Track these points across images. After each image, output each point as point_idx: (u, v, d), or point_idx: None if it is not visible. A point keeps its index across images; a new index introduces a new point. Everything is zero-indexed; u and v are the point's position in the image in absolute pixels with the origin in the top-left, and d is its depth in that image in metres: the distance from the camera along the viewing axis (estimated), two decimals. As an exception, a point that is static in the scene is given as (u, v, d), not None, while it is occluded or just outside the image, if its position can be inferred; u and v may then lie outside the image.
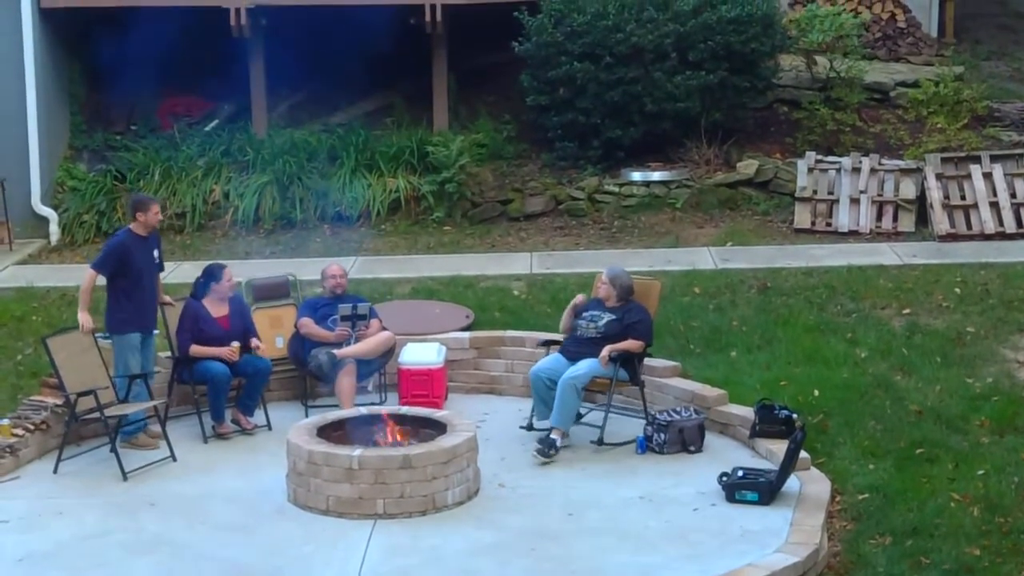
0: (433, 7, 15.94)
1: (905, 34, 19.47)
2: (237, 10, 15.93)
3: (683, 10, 15.71)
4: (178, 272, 14.45)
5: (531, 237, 15.46)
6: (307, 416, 10.99)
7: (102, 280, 10.97)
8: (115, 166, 16.25)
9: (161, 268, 11.27)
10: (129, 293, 10.79)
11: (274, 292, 12.25)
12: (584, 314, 11.04)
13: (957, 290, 13.15)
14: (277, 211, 15.76)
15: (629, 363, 10.75)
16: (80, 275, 14.24)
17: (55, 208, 16.07)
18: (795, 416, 10.44)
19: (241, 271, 14.44)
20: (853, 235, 15.01)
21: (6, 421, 10.67)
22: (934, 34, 20.09)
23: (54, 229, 15.97)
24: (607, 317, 10.91)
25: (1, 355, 12.46)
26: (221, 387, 11.01)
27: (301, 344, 11.63)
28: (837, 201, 15.29)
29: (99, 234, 15.74)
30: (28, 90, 15.94)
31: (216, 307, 11.34)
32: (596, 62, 15.70)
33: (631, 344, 10.76)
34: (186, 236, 15.65)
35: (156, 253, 11.08)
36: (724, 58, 15.81)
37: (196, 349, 11.07)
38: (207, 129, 16.97)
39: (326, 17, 16.35)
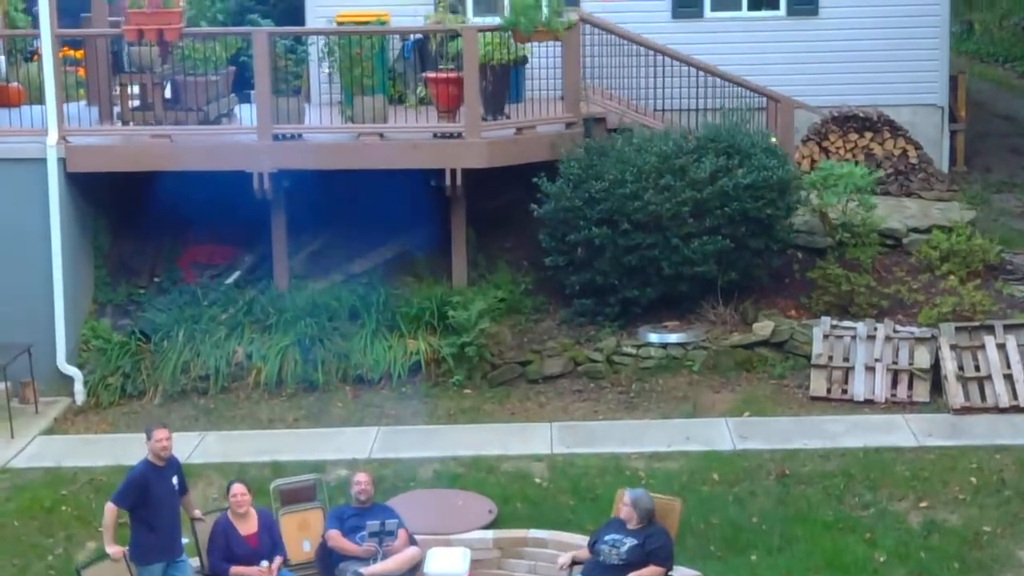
0: (453, 171, 16.17)
1: (917, 170, 19.71)
2: (260, 175, 16.15)
3: (700, 177, 15.94)
4: (203, 448, 14.70)
5: (550, 402, 15.65)
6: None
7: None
8: (139, 326, 16.46)
9: (184, 491, 11.49)
10: (151, 523, 11.05)
11: (300, 496, 12.45)
12: (606, 538, 11.24)
13: (973, 479, 13.35)
14: (299, 374, 15.96)
15: (652, 586, 10.96)
16: (108, 448, 14.70)
17: (80, 367, 16.27)
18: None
19: (265, 443, 14.81)
20: (869, 404, 15.20)
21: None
22: (945, 165, 20.36)
23: (79, 388, 16.18)
24: (629, 543, 11.11)
25: (31, 553, 12.67)
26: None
27: (328, 554, 11.83)
28: (852, 368, 15.49)
29: (124, 396, 15.98)
30: (54, 251, 16.16)
31: (244, 524, 11.55)
32: (614, 227, 15.93)
33: (653, 572, 10.96)
34: (209, 400, 15.85)
35: (176, 480, 11.31)
36: (740, 223, 16.03)
37: (234, 570, 11.28)
38: (229, 282, 17.20)
39: (347, 176, 16.60)
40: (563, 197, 16.11)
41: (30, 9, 26.43)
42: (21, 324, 16.05)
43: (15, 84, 19.81)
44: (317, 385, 15.96)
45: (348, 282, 17.17)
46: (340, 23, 19.22)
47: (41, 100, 16.83)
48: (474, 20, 19.67)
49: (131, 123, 16.93)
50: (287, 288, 16.94)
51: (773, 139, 18.13)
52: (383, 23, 19.20)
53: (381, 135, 16.28)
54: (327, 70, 16.19)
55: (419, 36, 19.24)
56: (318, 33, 16.80)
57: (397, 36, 19.62)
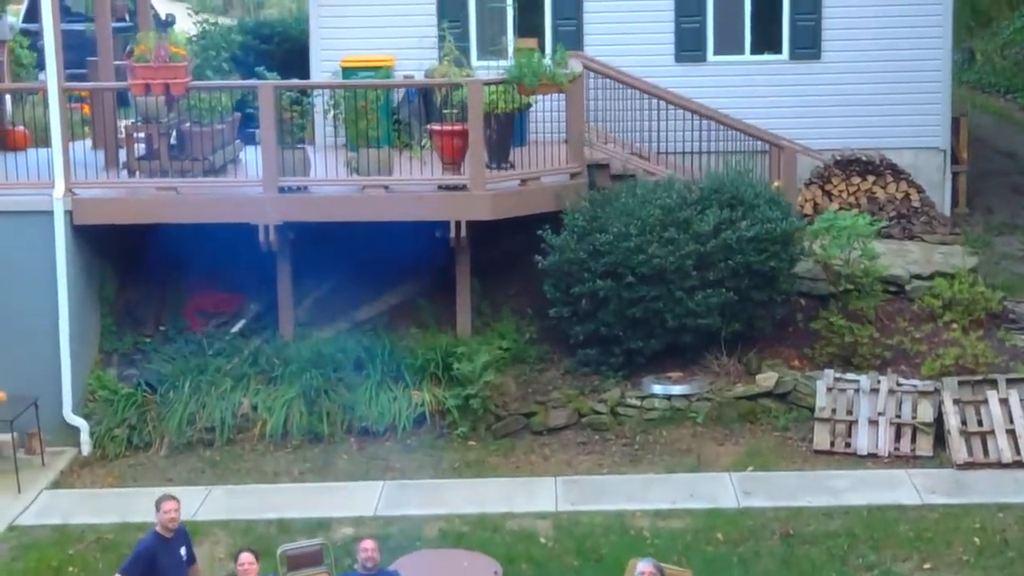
0: (458, 223, 16.24)
1: (919, 213, 19.78)
2: (266, 227, 16.22)
3: (704, 230, 16.01)
4: (209, 503, 14.76)
5: (555, 455, 15.70)
6: None
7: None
8: (145, 377, 16.52)
9: (192, 561, 11.56)
10: (159, 594, 11.12)
11: (308, 560, 12.50)
12: (617, 609, 11.30)
13: (976, 539, 13.42)
14: (305, 425, 16.01)
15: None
16: (114, 504, 14.76)
17: (86, 418, 16.33)
18: None
19: (271, 498, 14.87)
20: (872, 458, 15.26)
21: None
22: (947, 207, 20.44)
23: (85, 439, 16.23)
24: (641, 613, 11.15)
25: (40, 616, 12.75)
26: None
27: (335, 621, 11.90)
28: (856, 422, 15.55)
29: (130, 448, 16.05)
30: (61, 302, 16.21)
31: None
32: (618, 280, 16.00)
33: (663, 643, 11.02)
34: (215, 452, 15.90)
35: (184, 551, 11.39)
36: (744, 275, 16.10)
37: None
38: (234, 331, 17.27)
39: (352, 223, 16.66)
40: (568, 249, 16.18)
41: (35, 44, 26.60)
42: (27, 374, 16.12)
43: (20, 128, 19.92)
44: (322, 437, 16.02)
45: (353, 330, 17.23)
46: (345, 68, 19.36)
47: (47, 143, 16.89)
48: (478, 62, 19.82)
49: (137, 172, 17.00)
50: (292, 337, 17.00)
51: (776, 184, 18.27)
52: (388, 69, 19.37)
53: (386, 187, 16.34)
54: (332, 125, 16.24)
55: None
56: (323, 87, 16.90)
57: (401, 79, 19.85)
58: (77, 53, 21.79)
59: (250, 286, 17.69)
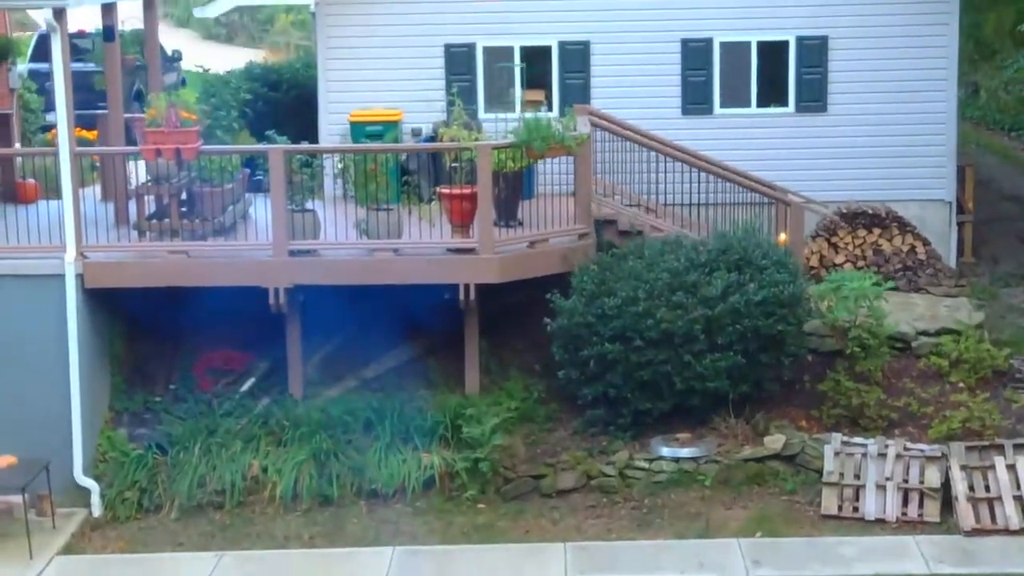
0: (467, 286, 16.33)
1: (925, 266, 19.88)
2: (276, 290, 16.31)
3: (712, 295, 16.08)
4: (220, 573, 14.82)
5: (564, 519, 15.76)
6: None
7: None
8: (155, 439, 16.59)
9: None
10: None
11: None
12: None
13: (984, 615, 13.50)
14: (314, 488, 16.07)
15: None
16: (125, 572, 14.83)
17: (97, 479, 16.39)
18: None
19: (282, 566, 14.98)
20: (880, 524, 15.31)
21: None
22: (953, 258, 20.55)
23: (96, 501, 16.28)
24: None
25: None
26: None
27: None
28: (864, 487, 15.61)
29: (141, 510, 16.10)
30: (71, 364, 16.27)
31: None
32: (627, 344, 16.07)
33: None
34: (225, 515, 15.95)
35: None
36: (752, 339, 16.17)
37: None
38: (244, 389, 17.34)
39: (362, 289, 16.75)
40: (576, 313, 16.26)
41: (42, 85, 26.71)
42: (38, 435, 16.19)
43: (31, 180, 20.02)
44: (332, 500, 16.08)
45: (362, 389, 17.32)
46: (354, 122, 19.52)
47: (58, 194, 16.93)
48: (485, 115, 19.95)
49: (147, 232, 17.08)
50: (301, 396, 17.09)
51: (782, 236, 18.36)
52: (396, 123, 19.50)
53: (395, 250, 16.43)
54: (342, 189, 16.36)
55: (431, 132, 19.56)
56: (333, 151, 17.03)
57: (409, 132, 19.98)
58: (85, 94, 21.91)
59: (259, 343, 17.75)
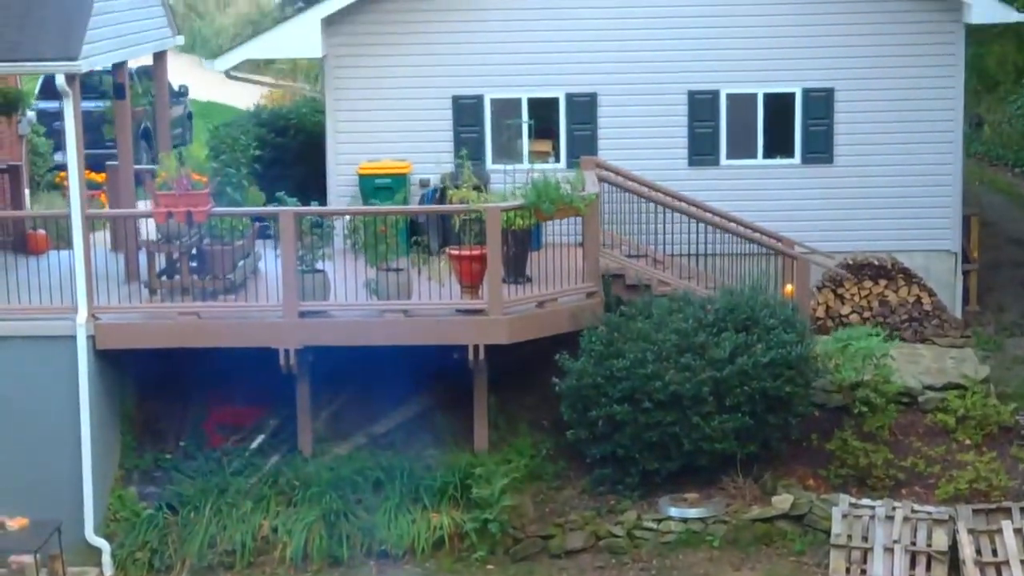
0: (476, 347, 16.42)
1: (931, 316, 19.97)
2: (287, 351, 16.40)
3: (720, 356, 16.17)
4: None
5: (572, 581, 15.88)
6: None
7: None
8: (166, 499, 16.68)
9: None
10: None
11: None
12: None
13: None
14: (325, 549, 16.16)
15: None
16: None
17: (108, 539, 16.48)
18: None
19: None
20: (887, 588, 15.42)
21: None
22: (958, 307, 20.62)
23: (107, 560, 16.38)
24: None
25: None
26: None
27: None
28: (871, 549, 15.68)
29: (151, 570, 16.20)
30: (83, 424, 16.39)
31: None
32: (635, 405, 16.16)
33: None
34: (236, 575, 16.05)
35: None
36: (760, 400, 16.26)
37: None
38: (254, 446, 17.43)
39: (371, 348, 16.84)
40: (585, 374, 16.35)
41: (50, 126, 26.84)
42: (49, 495, 16.31)
43: (41, 231, 20.13)
44: (342, 560, 16.17)
45: (371, 445, 17.40)
46: (362, 175, 19.62)
47: (68, 243, 16.99)
48: (493, 165, 20.04)
49: (158, 291, 17.18)
50: (311, 453, 17.17)
51: (789, 287, 18.47)
52: (405, 175, 19.61)
53: (405, 311, 16.52)
54: (353, 251, 16.50)
55: (440, 183, 19.68)
56: (342, 213, 17.12)
57: (418, 183, 20.08)
58: (92, 133, 22.00)
59: (269, 398, 17.83)
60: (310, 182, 22.01)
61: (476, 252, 16.49)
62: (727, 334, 16.45)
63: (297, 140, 23.09)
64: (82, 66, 15.78)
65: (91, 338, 16.43)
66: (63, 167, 19.42)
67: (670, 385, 16.06)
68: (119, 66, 17.96)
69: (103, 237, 19.98)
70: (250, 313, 16.69)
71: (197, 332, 16.52)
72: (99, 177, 22.38)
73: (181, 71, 35.02)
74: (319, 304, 16.55)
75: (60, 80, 15.69)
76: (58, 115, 21.20)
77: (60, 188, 23.89)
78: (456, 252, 16.65)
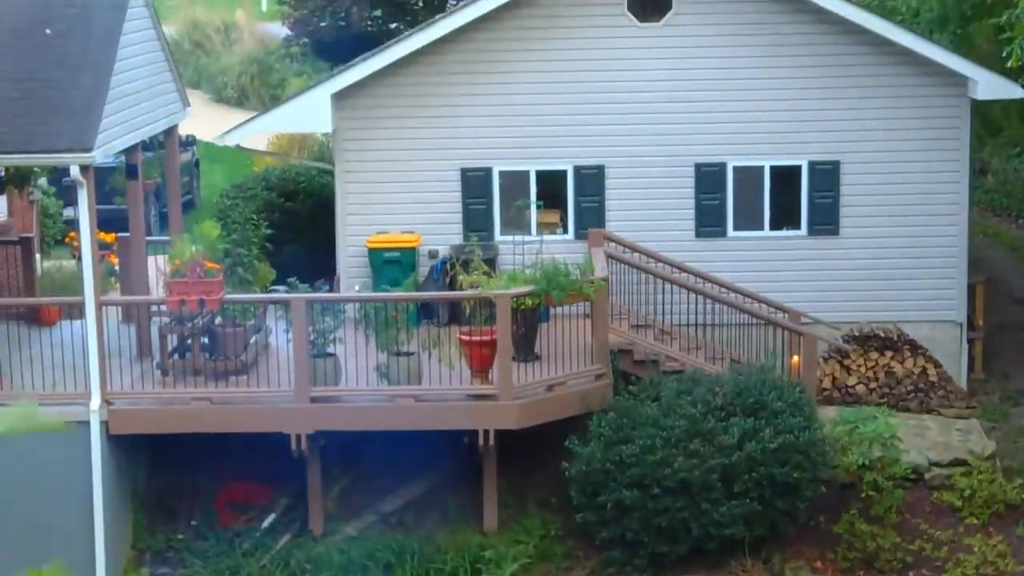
0: (487, 432, 16.56)
1: (936, 387, 20.07)
2: (298, 436, 16.54)
3: (728, 443, 16.31)
4: None
5: (582, 667, 16.00)
6: None
7: None
8: (177, 583, 16.85)
9: None
10: None
11: None
12: None
13: None
14: (335, 637, 16.32)
15: None
16: None
17: (121, 622, 16.66)
18: None
19: None
20: (895, 675, 15.55)
21: None
22: (964, 376, 20.73)
23: (121, 645, 16.56)
24: None
25: None
26: None
27: None
28: (879, 637, 15.84)
29: (165, 660, 16.36)
30: (96, 509, 16.52)
31: None
32: (644, 490, 16.29)
33: None
34: (247, 664, 16.21)
35: None
36: (768, 486, 16.38)
37: None
38: (265, 526, 17.55)
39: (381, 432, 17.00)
40: (594, 460, 16.48)
41: (59, 184, 26.93)
42: (63, 577, 16.41)
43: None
44: (354, 645, 16.32)
45: (380, 523, 17.52)
46: (372, 248, 19.76)
47: (81, 314, 17.12)
48: (501, 237, 20.18)
49: (171, 371, 17.30)
50: (321, 533, 17.29)
51: (795, 359, 18.60)
52: (413, 250, 19.75)
53: (416, 397, 16.66)
54: (364, 334, 16.63)
55: (447, 256, 19.83)
56: (353, 300, 17.26)
57: (427, 254, 20.22)
58: (101, 187, 22.07)
59: (279, 476, 17.92)
60: (319, 246, 22.18)
61: (486, 337, 16.63)
62: (735, 419, 16.58)
63: (306, 204, 23.27)
64: (96, 157, 15.95)
65: (104, 423, 16.57)
66: (73, 223, 19.54)
67: (679, 472, 16.20)
68: (132, 147, 18.09)
69: (114, 318, 20.10)
70: (262, 398, 16.82)
71: (210, 418, 16.67)
72: (108, 238, 22.49)
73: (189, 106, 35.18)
74: (330, 390, 16.69)
75: (75, 171, 15.84)
76: (65, 171, 21.27)
77: (70, 247, 24.02)
78: (467, 337, 16.78)
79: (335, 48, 40.76)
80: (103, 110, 16.23)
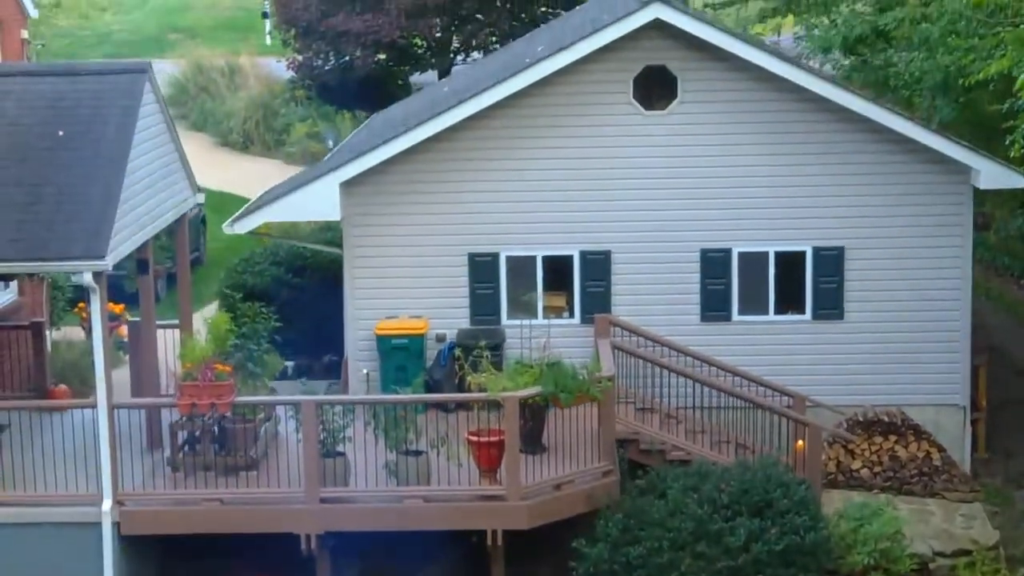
0: (495, 532, 16.70)
1: (940, 471, 20.21)
2: (308, 536, 16.68)
3: (734, 545, 16.45)
4: None
5: None
6: None
7: None
8: None
9: None
10: None
11: None
12: None
13: None
14: None
15: None
16: None
17: None
18: None
19: None
20: None
21: None
22: (967, 458, 20.88)
23: None
24: None
25: None
26: None
27: None
28: None
29: None
30: (109, 610, 16.71)
31: None
32: (651, 589, 16.49)
33: None
34: None
35: None
36: (777, 596, 16.57)
37: None
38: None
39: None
40: (601, 561, 16.63)
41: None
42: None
43: (62, 386, 20.45)
44: None
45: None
46: (380, 335, 19.91)
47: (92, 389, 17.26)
48: (508, 321, 20.35)
49: (181, 468, 17.44)
50: (332, 630, 17.48)
51: (800, 443, 18.77)
52: (421, 336, 19.91)
53: (425, 497, 16.80)
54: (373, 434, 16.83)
55: (453, 341, 20.01)
56: (364, 403, 17.37)
57: (434, 338, 20.38)
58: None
59: (290, 573, 18.03)
60: (327, 323, 22.35)
61: (495, 439, 16.78)
62: (741, 519, 16.72)
63: (314, 281, 23.43)
64: (109, 263, 16.09)
65: (116, 524, 16.71)
66: (82, 291, 19.60)
67: (686, 575, 16.34)
68: (142, 246, 18.23)
69: (124, 374, 20.24)
70: (272, 498, 16.96)
71: (221, 518, 16.80)
72: (117, 308, 22.64)
73: (192, 153, 35.27)
74: (340, 491, 16.83)
75: (87, 278, 16.00)
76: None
77: (83, 319, 24.14)
78: (475, 438, 16.94)
79: (339, 91, 40.97)
80: (115, 214, 16.38)
